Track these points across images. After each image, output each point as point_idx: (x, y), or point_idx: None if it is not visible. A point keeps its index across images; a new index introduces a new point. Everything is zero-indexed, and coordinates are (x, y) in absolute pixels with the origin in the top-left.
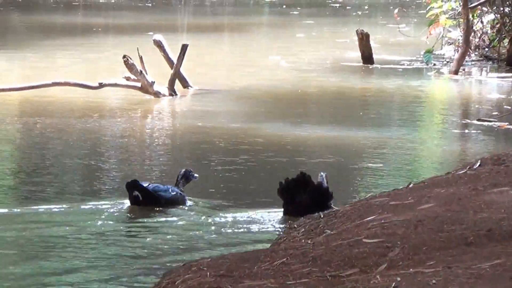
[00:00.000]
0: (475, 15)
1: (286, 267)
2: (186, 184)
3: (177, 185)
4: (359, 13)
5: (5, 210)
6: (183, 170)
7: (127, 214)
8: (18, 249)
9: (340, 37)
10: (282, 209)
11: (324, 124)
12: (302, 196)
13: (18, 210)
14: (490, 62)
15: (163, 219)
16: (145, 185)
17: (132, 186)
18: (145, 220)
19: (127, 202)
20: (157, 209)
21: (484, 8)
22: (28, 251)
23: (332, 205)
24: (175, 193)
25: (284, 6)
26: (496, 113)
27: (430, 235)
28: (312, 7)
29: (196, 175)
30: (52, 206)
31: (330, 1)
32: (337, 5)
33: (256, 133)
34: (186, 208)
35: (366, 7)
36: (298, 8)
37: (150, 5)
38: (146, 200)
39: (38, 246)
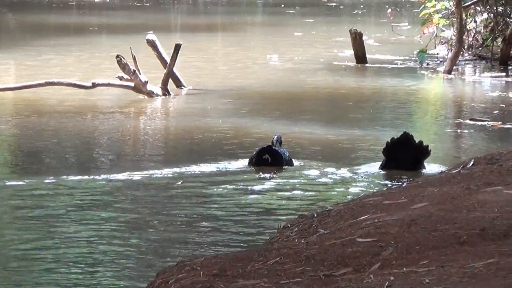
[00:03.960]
0: (468, 14)
1: (279, 266)
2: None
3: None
4: (359, 12)
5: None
6: (276, 136)
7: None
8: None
9: (338, 35)
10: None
11: (317, 122)
12: (405, 153)
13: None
14: (484, 62)
15: (289, 175)
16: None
17: (266, 150)
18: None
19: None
20: (284, 168)
21: (478, 8)
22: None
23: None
24: (287, 154)
25: (283, 6)
26: (495, 111)
27: (424, 234)
28: (308, 6)
29: None
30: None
31: (325, 0)
32: (333, 4)
33: (251, 132)
34: (298, 167)
35: (361, 6)
36: (297, 8)
37: (148, 4)
38: (272, 162)
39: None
